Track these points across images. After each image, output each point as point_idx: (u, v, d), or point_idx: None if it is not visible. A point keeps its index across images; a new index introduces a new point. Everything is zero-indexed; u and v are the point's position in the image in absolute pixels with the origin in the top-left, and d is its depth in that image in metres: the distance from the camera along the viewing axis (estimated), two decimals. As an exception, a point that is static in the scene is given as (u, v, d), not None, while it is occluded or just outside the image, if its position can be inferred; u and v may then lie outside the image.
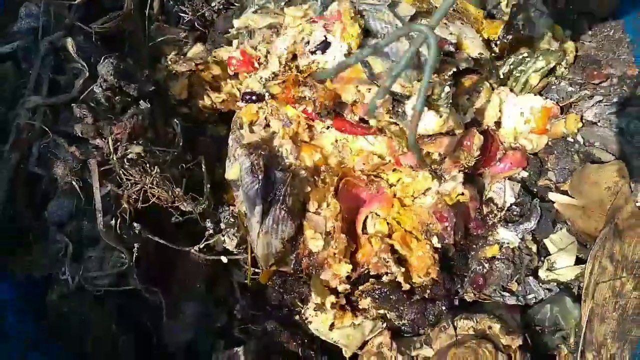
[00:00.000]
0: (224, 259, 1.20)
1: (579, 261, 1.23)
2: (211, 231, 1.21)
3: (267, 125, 1.27)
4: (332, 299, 1.16)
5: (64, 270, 1.06)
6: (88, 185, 1.09)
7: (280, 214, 1.13)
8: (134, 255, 1.08)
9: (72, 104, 1.08)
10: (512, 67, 1.28)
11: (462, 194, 1.21)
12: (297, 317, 1.21)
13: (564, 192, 1.25)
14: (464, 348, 1.08)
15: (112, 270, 1.07)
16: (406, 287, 1.16)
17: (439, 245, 1.19)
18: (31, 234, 1.09)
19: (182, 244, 1.17)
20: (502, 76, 1.28)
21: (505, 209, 1.24)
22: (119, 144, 1.05)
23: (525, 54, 1.27)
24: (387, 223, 1.21)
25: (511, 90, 1.28)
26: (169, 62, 1.31)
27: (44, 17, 1.16)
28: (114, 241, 1.06)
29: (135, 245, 1.08)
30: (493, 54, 1.25)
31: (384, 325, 1.20)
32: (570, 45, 1.29)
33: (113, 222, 1.08)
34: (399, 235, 1.19)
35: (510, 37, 1.22)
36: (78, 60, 1.12)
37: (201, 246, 1.18)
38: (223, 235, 1.21)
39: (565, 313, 1.18)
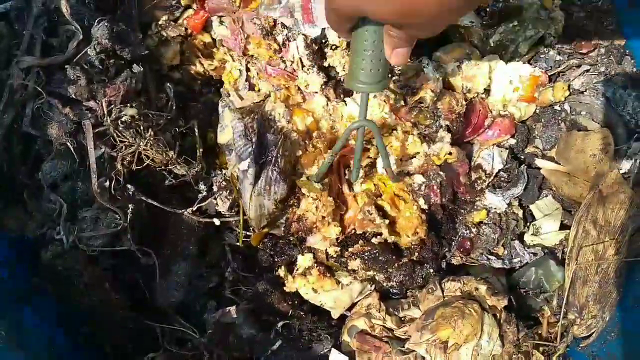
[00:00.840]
0: (217, 221, 1.21)
1: (563, 227, 1.27)
2: (204, 194, 1.22)
3: (252, 88, 1.29)
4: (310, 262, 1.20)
5: (58, 230, 1.07)
6: (82, 147, 1.09)
7: (272, 175, 1.14)
8: (128, 217, 1.09)
9: (66, 66, 1.07)
10: (502, 35, 1.29)
11: (450, 153, 1.22)
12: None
13: (551, 159, 1.28)
14: (451, 308, 1.10)
15: (107, 230, 1.08)
16: (391, 239, 1.19)
17: (425, 207, 1.21)
18: (25, 191, 1.10)
19: (175, 207, 1.18)
20: (492, 44, 1.30)
21: (494, 175, 1.26)
22: (112, 106, 1.06)
23: (515, 23, 1.28)
24: (374, 184, 1.22)
25: (501, 58, 1.29)
26: (160, 27, 1.31)
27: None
28: (108, 202, 1.07)
29: (130, 206, 1.09)
30: (483, 22, 1.27)
31: (373, 287, 1.22)
32: (559, 14, 1.30)
33: (107, 183, 1.09)
34: (387, 197, 1.21)
35: (500, 5, 1.23)
36: (72, 22, 1.11)
37: (194, 209, 1.19)
38: (215, 199, 1.22)
39: (549, 276, 1.21)
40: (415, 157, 1.23)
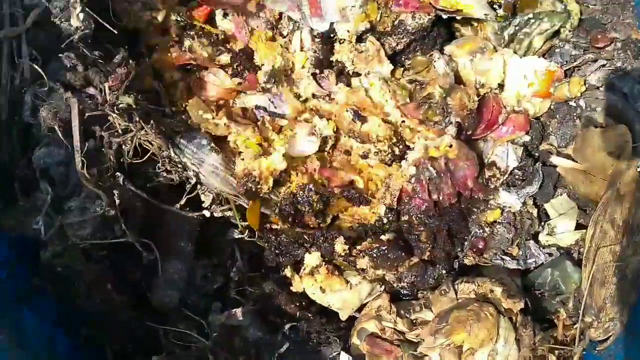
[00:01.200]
0: (207, 213, 1.17)
1: (579, 226, 1.23)
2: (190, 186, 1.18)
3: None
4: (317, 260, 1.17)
5: (38, 220, 1.04)
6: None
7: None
8: (117, 203, 1.05)
9: (61, 54, 1.03)
10: (517, 28, 1.26)
11: (450, 146, 1.18)
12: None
13: (567, 156, 1.24)
14: (466, 311, 1.07)
15: (93, 215, 1.04)
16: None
17: None
18: (17, 184, 1.07)
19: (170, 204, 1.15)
20: (506, 38, 1.26)
21: (508, 172, 1.23)
22: (111, 92, 1.02)
23: (531, 15, 1.24)
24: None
25: (515, 52, 1.25)
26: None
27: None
28: (94, 187, 1.03)
29: (115, 192, 1.05)
30: (498, 15, 1.23)
31: (382, 288, 1.19)
32: (575, 7, 1.27)
33: (95, 171, 1.05)
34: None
35: (515, -4, 1.20)
36: None
37: (182, 202, 1.15)
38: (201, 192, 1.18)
39: (566, 277, 1.18)
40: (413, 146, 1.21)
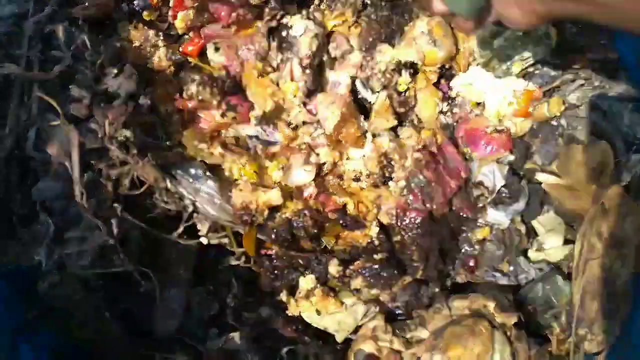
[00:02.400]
0: (204, 241, 1.18)
1: (567, 242, 1.25)
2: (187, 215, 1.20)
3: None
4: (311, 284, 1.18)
5: (39, 252, 1.05)
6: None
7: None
8: (115, 233, 1.06)
9: (70, 86, 1.07)
10: (506, 42, 1.28)
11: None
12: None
13: (551, 173, 1.27)
14: (460, 326, 1.08)
15: (94, 245, 1.06)
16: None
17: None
18: (15, 217, 1.08)
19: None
20: (495, 47, 1.28)
21: (496, 191, 1.25)
22: (112, 126, 1.05)
23: (521, 34, 1.27)
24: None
25: (493, 70, 1.30)
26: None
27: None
28: (93, 217, 1.05)
29: (113, 222, 1.07)
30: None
31: (377, 309, 1.20)
32: (552, 30, 1.31)
33: (94, 201, 1.07)
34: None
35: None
36: (63, 47, 1.12)
37: (179, 231, 1.17)
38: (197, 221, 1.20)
39: (557, 291, 1.19)
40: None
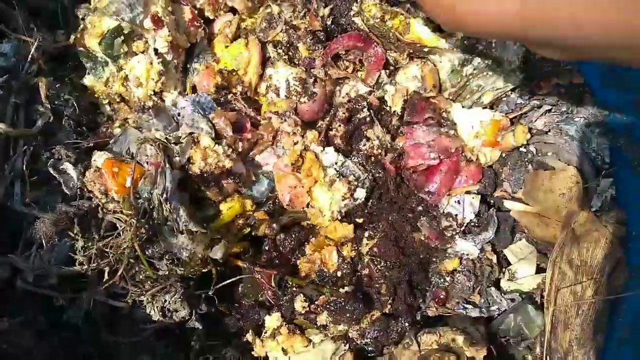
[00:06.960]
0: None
1: (540, 270, 1.22)
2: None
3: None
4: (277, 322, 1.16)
5: None
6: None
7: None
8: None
9: (54, 146, 1.09)
10: (475, 71, 1.25)
11: None
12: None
13: (519, 200, 1.25)
14: (427, 362, 1.05)
15: None
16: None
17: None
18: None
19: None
20: (465, 75, 1.25)
21: (465, 224, 1.23)
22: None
23: (491, 62, 1.23)
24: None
25: (462, 101, 1.28)
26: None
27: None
28: None
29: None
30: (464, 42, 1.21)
31: (347, 346, 1.16)
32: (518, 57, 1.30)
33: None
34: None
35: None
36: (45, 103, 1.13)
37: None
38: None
39: (529, 322, 1.16)
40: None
